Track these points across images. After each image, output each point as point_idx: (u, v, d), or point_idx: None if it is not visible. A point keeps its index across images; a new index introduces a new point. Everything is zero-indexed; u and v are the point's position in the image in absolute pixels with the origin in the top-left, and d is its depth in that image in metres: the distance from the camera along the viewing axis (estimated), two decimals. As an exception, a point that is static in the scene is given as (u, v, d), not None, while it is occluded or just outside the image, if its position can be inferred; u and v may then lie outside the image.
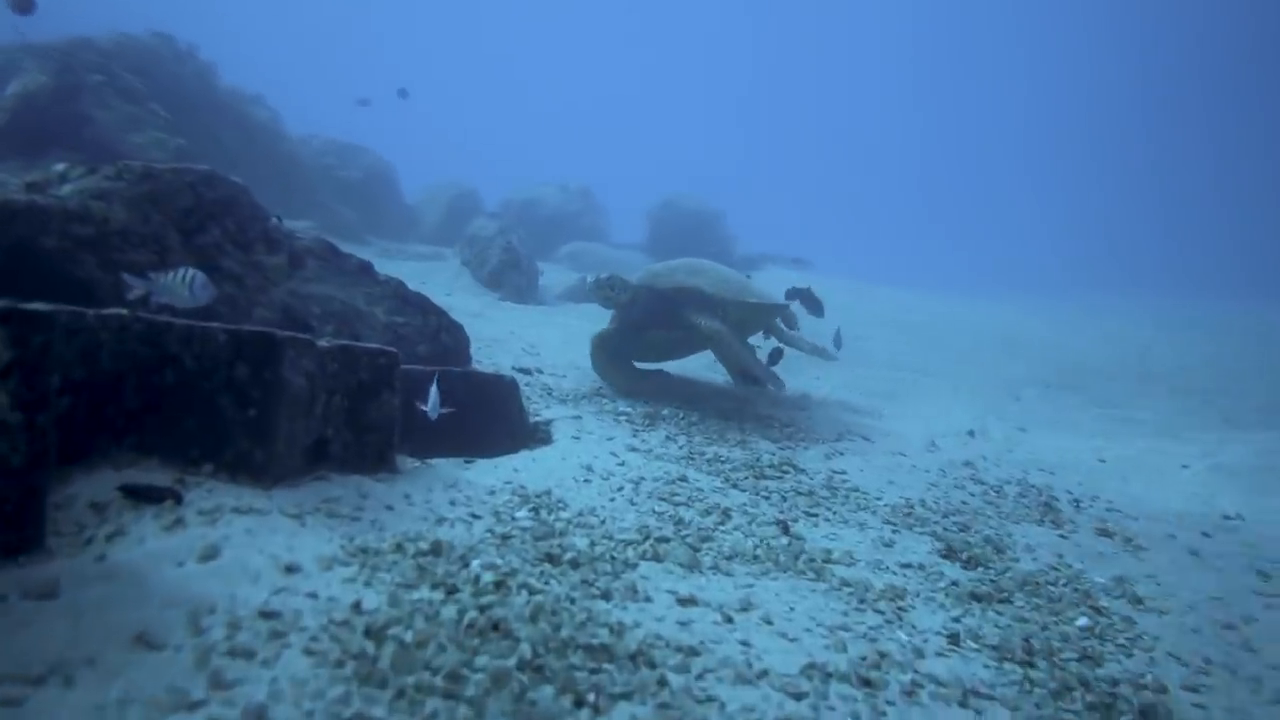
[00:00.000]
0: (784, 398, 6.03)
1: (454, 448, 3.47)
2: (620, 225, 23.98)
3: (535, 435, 4.01)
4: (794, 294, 7.05)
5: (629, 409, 4.78)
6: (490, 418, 3.69)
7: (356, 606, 1.76)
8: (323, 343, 2.65)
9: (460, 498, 2.71)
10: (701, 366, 6.58)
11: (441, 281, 10.39)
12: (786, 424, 5.02)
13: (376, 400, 2.81)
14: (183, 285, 2.82)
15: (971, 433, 5.44)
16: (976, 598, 2.59)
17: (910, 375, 7.80)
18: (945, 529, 3.32)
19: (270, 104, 14.78)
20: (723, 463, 3.94)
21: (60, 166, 2.95)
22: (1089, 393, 7.47)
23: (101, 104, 6.22)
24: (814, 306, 7.17)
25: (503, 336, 6.72)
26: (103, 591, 1.48)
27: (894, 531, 3.23)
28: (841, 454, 4.46)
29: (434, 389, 2.97)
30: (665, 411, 4.83)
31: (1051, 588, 2.74)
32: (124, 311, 2.23)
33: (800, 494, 3.59)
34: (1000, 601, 2.58)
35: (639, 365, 5.83)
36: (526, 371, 5.53)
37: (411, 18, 78.97)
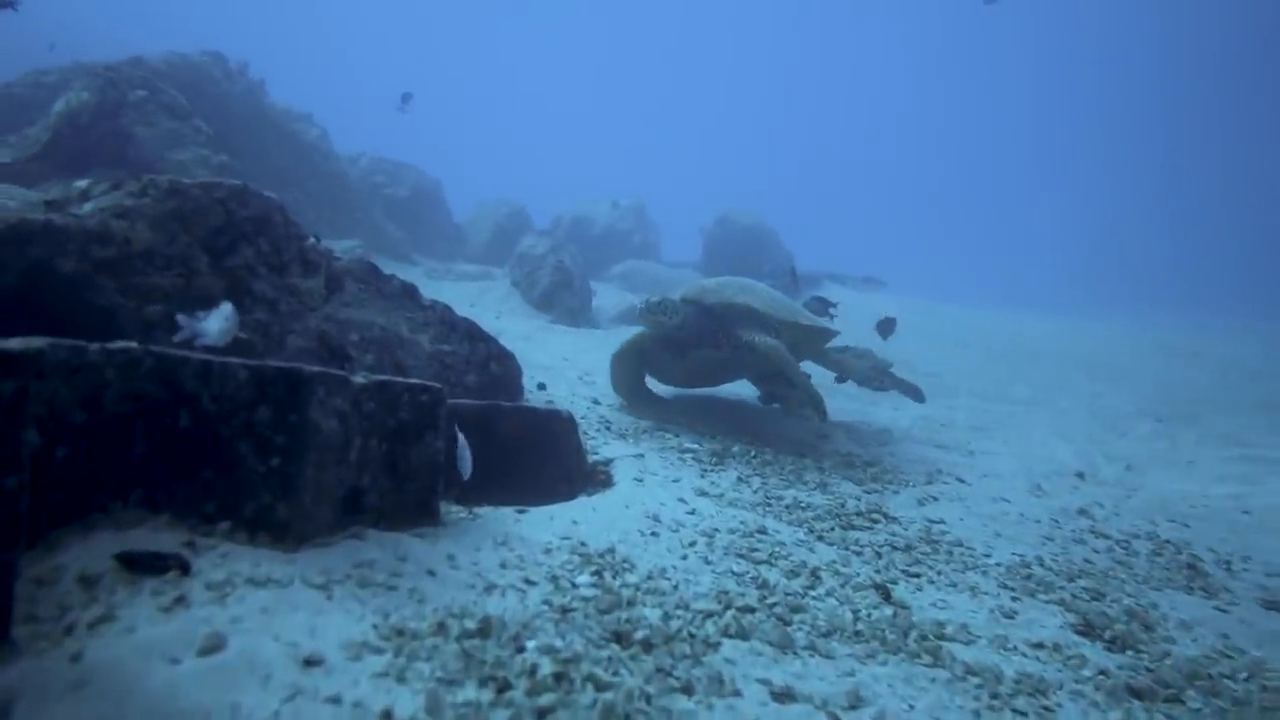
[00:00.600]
0: (864, 433, 5.62)
1: (504, 493, 3.19)
2: (673, 243, 23.73)
3: (594, 477, 3.69)
4: (885, 326, 6.79)
5: (695, 445, 4.44)
6: (545, 458, 3.39)
7: (388, 716, 1.46)
8: (358, 378, 2.38)
9: (512, 558, 2.40)
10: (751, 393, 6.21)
11: (490, 303, 10.23)
12: (869, 463, 4.61)
13: (419, 443, 2.53)
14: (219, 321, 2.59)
15: (1080, 474, 4.95)
16: (1136, 694, 2.17)
17: (998, 406, 7.29)
18: (1074, 596, 2.88)
19: (319, 122, 14.96)
20: (804, 509, 3.57)
21: (82, 183, 2.77)
22: (1202, 426, 6.85)
23: (145, 120, 6.23)
24: (886, 330, 6.88)
25: (555, 363, 6.45)
26: (68, 710, 1.20)
27: (1014, 599, 2.81)
28: (936, 499, 4.04)
29: (464, 448, 2.65)
30: (735, 449, 4.47)
31: (1230, 682, 2.29)
32: (133, 344, 1.99)
33: (896, 549, 3.20)
34: (1169, 700, 2.15)
35: (672, 389, 5.61)
36: (599, 405, 5.26)
37: (457, 39, 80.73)
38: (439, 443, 2.61)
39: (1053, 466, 5.11)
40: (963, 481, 4.45)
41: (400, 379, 2.54)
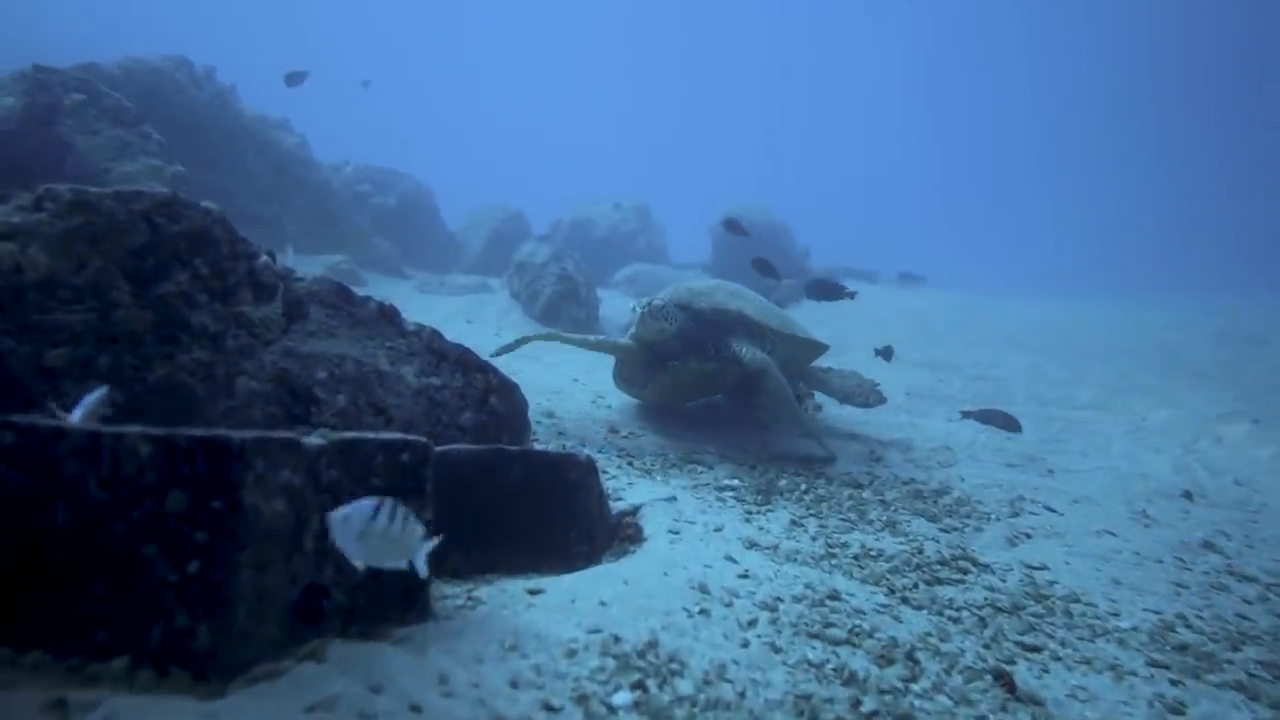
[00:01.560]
0: (921, 452, 5.09)
1: (512, 558, 2.69)
2: (680, 244, 23.24)
3: (621, 531, 3.17)
4: (886, 352, 6.39)
5: (734, 481, 3.92)
6: (561, 514, 2.87)
7: None
8: (313, 440, 1.88)
9: (526, 670, 1.88)
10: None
11: (488, 318, 9.75)
12: (939, 491, 4.08)
13: None
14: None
15: (1187, 494, 4.40)
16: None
17: (1064, 413, 6.74)
18: (1251, 675, 2.34)
19: (297, 129, 14.53)
20: (875, 559, 3.05)
21: (-39, 198, 2.27)
22: (1301, 426, 6.30)
23: (85, 128, 5.77)
24: (886, 356, 6.49)
25: (564, 385, 5.94)
26: None
27: (1173, 682, 2.27)
28: (1028, 536, 3.50)
29: (422, 554, 1.83)
30: (782, 482, 3.95)
31: None
32: (-15, 417, 1.49)
33: (1001, 610, 2.67)
34: None
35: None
36: (616, 430, 4.75)
37: (446, 42, 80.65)
38: (427, 512, 2.10)
39: (1151, 485, 4.57)
40: (1053, 510, 3.91)
41: (371, 435, 2.03)
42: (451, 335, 7.35)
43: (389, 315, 3.38)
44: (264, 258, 2.98)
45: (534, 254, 10.59)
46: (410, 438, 2.12)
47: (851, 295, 6.16)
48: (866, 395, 5.55)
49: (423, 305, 10.74)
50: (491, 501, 2.75)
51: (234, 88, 12.58)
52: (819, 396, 6.09)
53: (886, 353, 6.44)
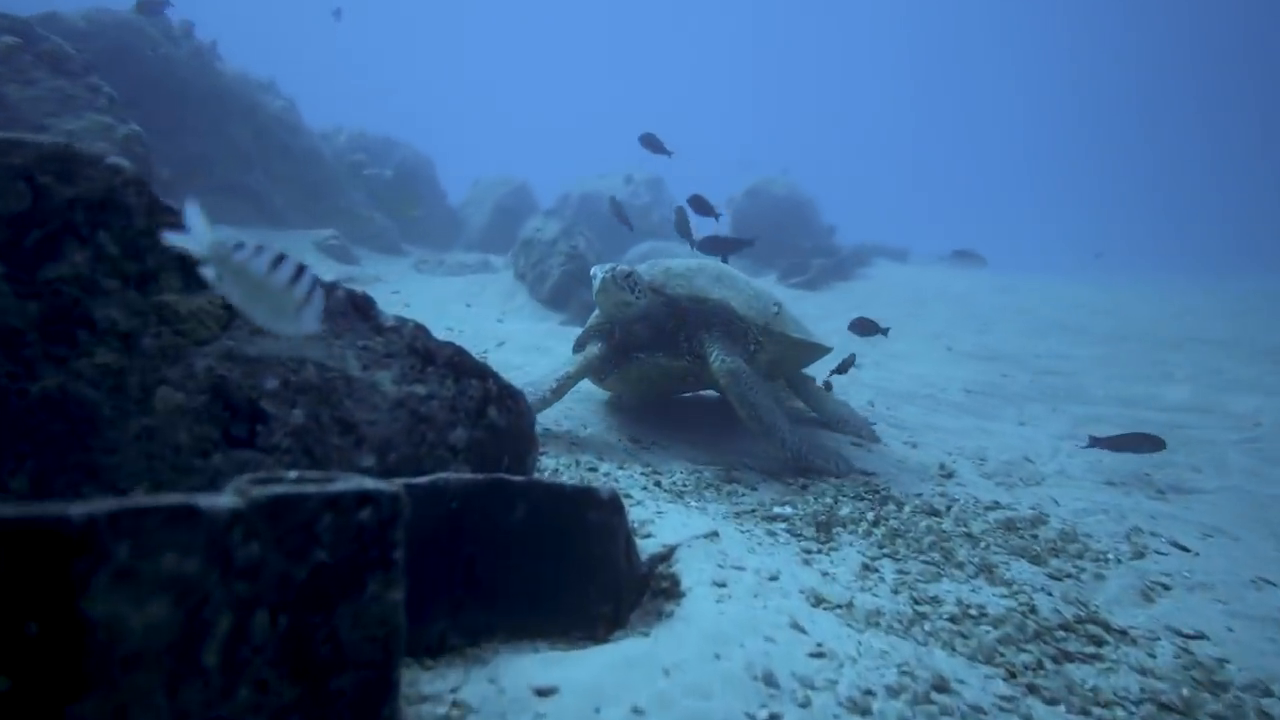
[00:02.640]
0: (1000, 464, 4.51)
1: (514, 623, 2.17)
2: (696, 219, 22.55)
3: (652, 583, 2.61)
4: (844, 366, 5.65)
5: (786, 509, 3.35)
6: (577, 565, 2.32)
7: None
8: (224, 500, 1.33)
9: None
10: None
11: (490, 301, 9.20)
12: (1033, 519, 3.50)
13: (354, 603, 1.50)
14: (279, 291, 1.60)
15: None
16: None
17: (1157, 415, 6.11)
18: None
19: (284, 92, 13.96)
20: (978, 621, 2.49)
21: None
22: None
23: (18, 76, 5.20)
24: (844, 369, 5.74)
25: (587, 388, 5.38)
26: None
27: None
28: (1166, 586, 2.92)
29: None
30: (844, 510, 3.38)
31: None
32: None
33: (1168, 709, 2.10)
34: None
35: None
36: (638, 440, 4.20)
37: (448, 7, 79.65)
38: (395, 593, 1.57)
39: (1288, 511, 3.97)
40: (1183, 549, 3.33)
41: (313, 489, 1.49)
42: (450, 320, 6.80)
43: (362, 307, 2.82)
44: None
45: (541, 230, 10.00)
46: (372, 488, 1.57)
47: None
48: (858, 430, 4.92)
49: (419, 285, 10.22)
50: (489, 548, 2.21)
51: (214, 45, 12.02)
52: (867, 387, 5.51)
53: (843, 367, 5.62)
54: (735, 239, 5.37)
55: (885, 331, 5.33)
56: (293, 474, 1.65)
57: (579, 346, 4.58)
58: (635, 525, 3.00)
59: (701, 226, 6.37)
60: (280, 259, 1.47)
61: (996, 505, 3.66)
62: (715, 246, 5.59)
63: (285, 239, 12.18)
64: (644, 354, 4.24)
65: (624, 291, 4.05)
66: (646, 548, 2.79)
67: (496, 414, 2.95)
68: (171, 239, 1.51)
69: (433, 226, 17.24)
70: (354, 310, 2.83)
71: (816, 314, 10.70)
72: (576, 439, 4.08)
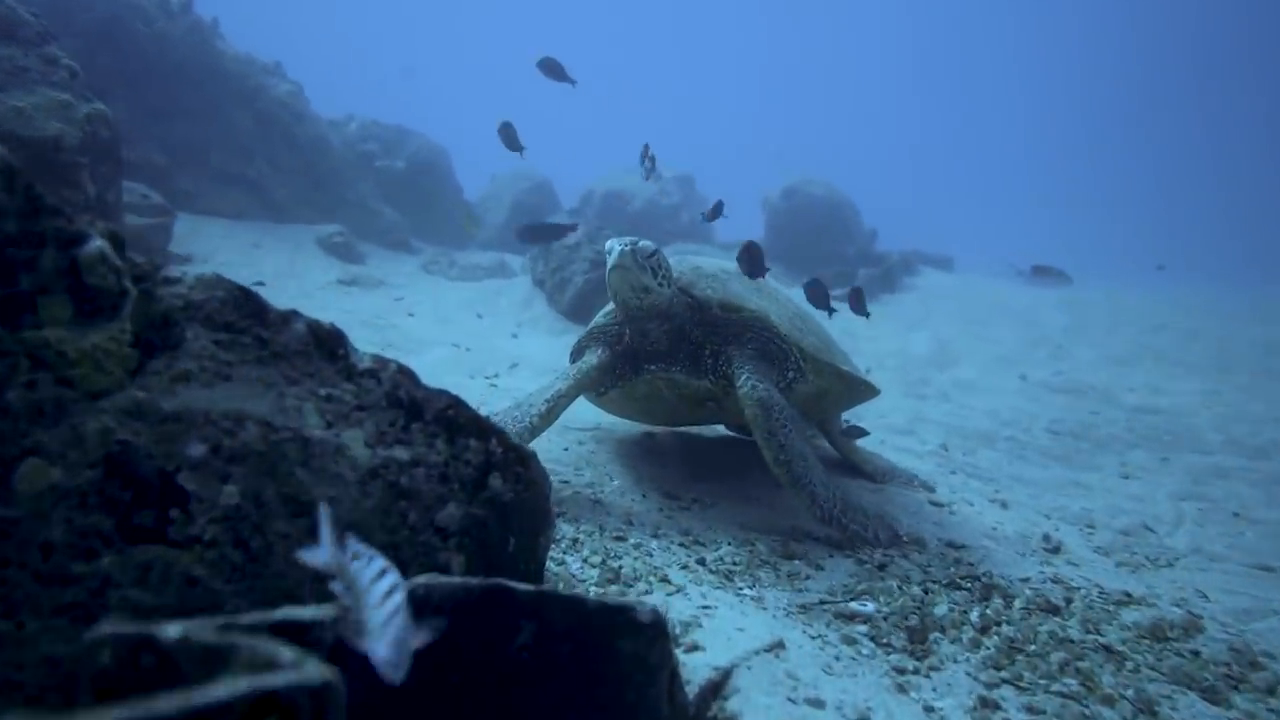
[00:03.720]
0: (1113, 531, 3.87)
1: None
2: (728, 220, 21.80)
3: (704, 731, 2.03)
4: (851, 433, 4.84)
5: (863, 603, 2.75)
6: (603, 715, 1.75)
7: None
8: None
9: None
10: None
11: (505, 312, 8.66)
12: (1185, 625, 2.86)
13: None
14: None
15: None
16: None
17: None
18: None
19: (292, 77, 13.53)
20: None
21: None
22: None
23: (-42, 45, 4.75)
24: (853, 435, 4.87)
25: (601, 418, 4.81)
26: None
27: None
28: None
29: None
30: (940, 608, 2.77)
31: None
32: None
33: None
34: None
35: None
36: (675, 497, 3.61)
37: (474, -13, 79.75)
38: None
39: None
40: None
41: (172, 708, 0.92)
42: (458, 333, 6.24)
43: (329, 343, 2.25)
44: (96, 242, 1.87)
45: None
46: (290, 683, 1.01)
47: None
48: (907, 482, 4.32)
49: (426, 290, 9.69)
50: (483, 687, 1.66)
51: (215, 22, 11.59)
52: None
53: (855, 432, 4.72)
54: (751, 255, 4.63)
55: (831, 312, 4.54)
56: (172, 630, 1.13)
57: (577, 354, 3.93)
58: (677, 629, 2.42)
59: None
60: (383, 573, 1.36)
61: (1129, 599, 3.03)
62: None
63: (287, 233, 11.74)
64: (657, 366, 3.62)
65: (644, 273, 3.37)
66: (693, 668, 2.21)
67: (501, 484, 2.37)
68: (305, 556, 1.43)
69: (447, 222, 16.77)
70: (317, 348, 2.26)
71: (864, 333, 10.06)
72: (599, 494, 3.50)
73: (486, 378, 5.54)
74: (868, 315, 4.72)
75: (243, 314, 2.15)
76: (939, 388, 7.28)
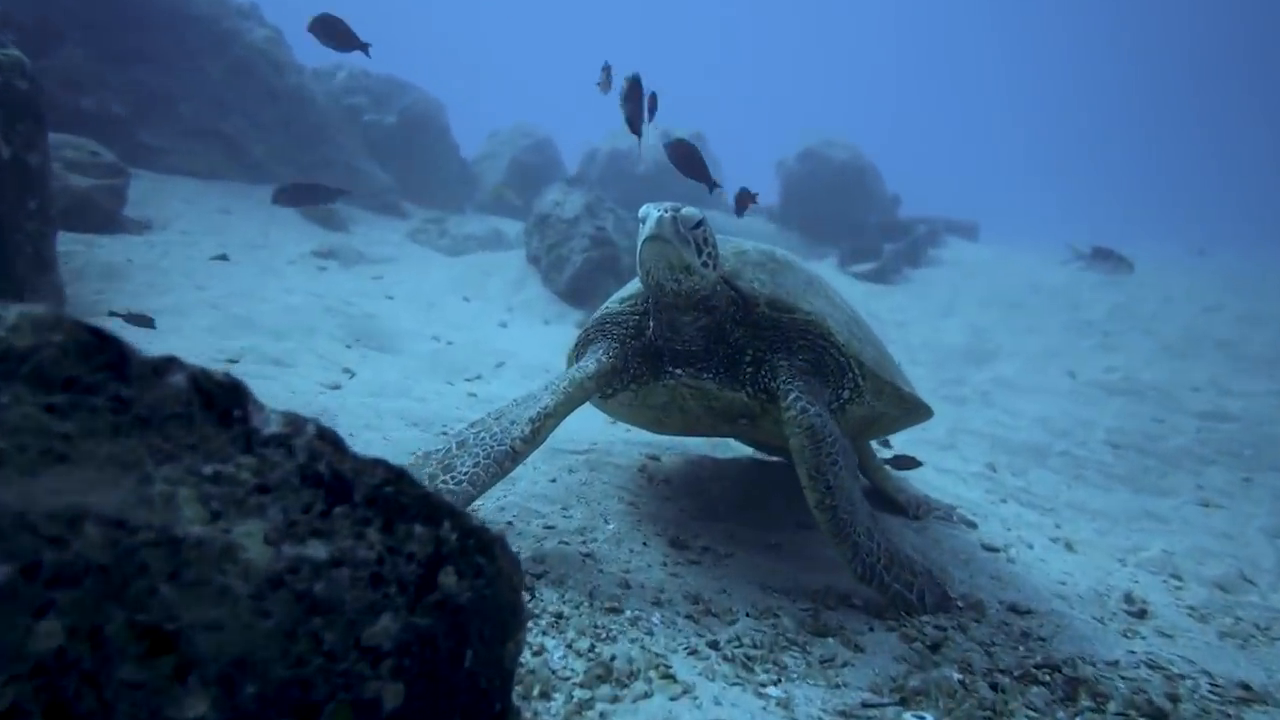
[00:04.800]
0: (1207, 601, 3.38)
1: None
2: (739, 183, 21.07)
3: None
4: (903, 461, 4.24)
5: (918, 716, 2.26)
6: None
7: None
8: None
9: None
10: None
11: (494, 292, 8.13)
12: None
13: None
14: None
15: None
16: None
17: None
18: None
19: (270, 22, 12.87)
20: None
21: None
22: None
23: None
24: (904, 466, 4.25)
25: (599, 434, 4.30)
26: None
27: None
28: None
29: None
30: (1015, 711, 2.27)
31: None
32: None
33: None
34: None
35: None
36: (682, 545, 3.11)
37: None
38: None
39: None
40: None
41: None
42: (440, 322, 5.66)
43: (221, 401, 1.72)
44: None
45: (560, 205, 8.87)
46: None
47: None
48: (947, 516, 3.86)
49: (411, 266, 9.12)
50: None
51: (182, -40, 10.95)
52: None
53: (906, 463, 4.15)
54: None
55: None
56: None
57: (581, 347, 3.34)
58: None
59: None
60: None
61: (1249, 694, 2.55)
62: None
63: (263, 196, 11.15)
64: (685, 370, 3.05)
65: (687, 248, 2.74)
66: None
67: (455, 582, 1.85)
68: None
69: (442, 182, 16.17)
70: (204, 408, 1.73)
71: (890, 317, 9.49)
72: (591, 544, 2.99)
73: (467, 380, 5.03)
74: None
75: (93, 366, 1.62)
76: (978, 387, 6.76)
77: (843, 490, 2.77)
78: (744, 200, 4.64)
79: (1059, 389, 6.92)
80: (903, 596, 2.83)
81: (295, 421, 1.75)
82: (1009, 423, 5.84)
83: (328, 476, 1.78)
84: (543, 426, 2.93)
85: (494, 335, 6.37)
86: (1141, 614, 3.11)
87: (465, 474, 2.78)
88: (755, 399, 3.02)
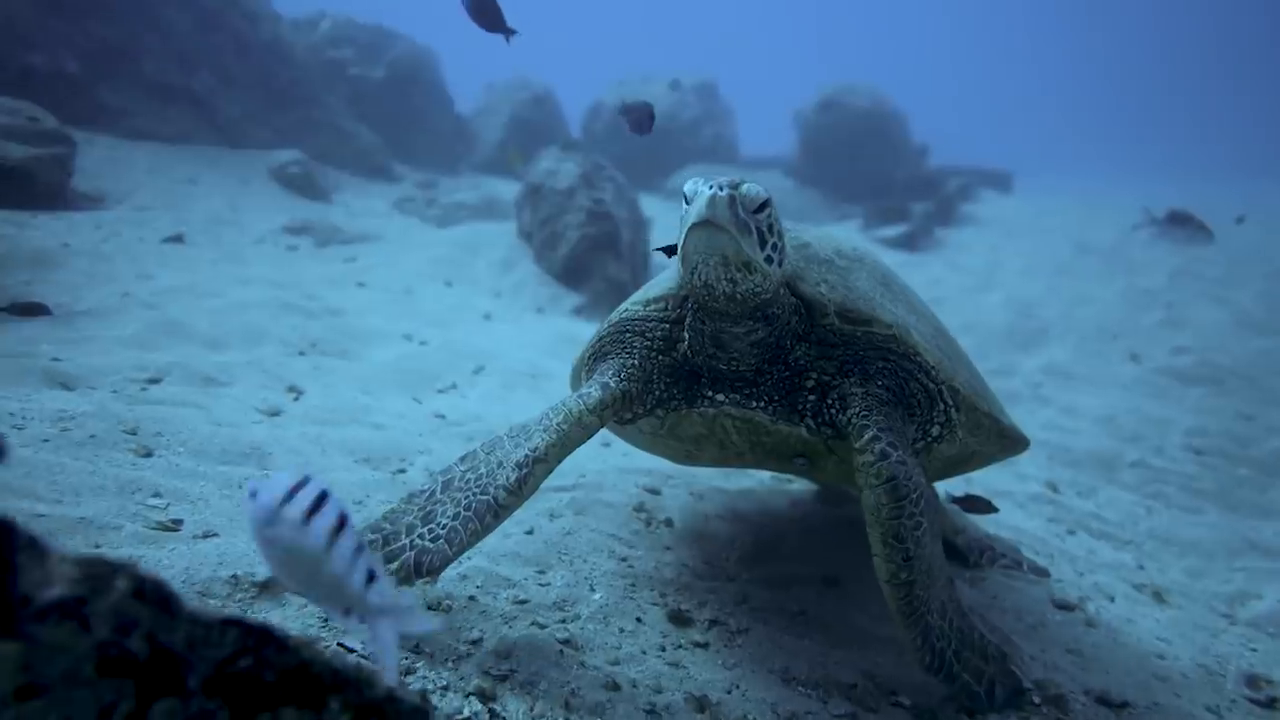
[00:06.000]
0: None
1: None
2: (753, 134, 20.33)
3: None
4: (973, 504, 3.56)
5: None
6: None
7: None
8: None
9: None
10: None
11: (481, 274, 7.54)
12: None
13: None
14: None
15: None
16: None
17: None
18: None
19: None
20: None
21: None
22: None
23: None
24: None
25: (604, 468, 3.76)
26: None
27: None
28: None
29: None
30: None
31: None
32: None
33: None
34: None
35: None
36: (685, 620, 2.57)
37: None
38: None
39: None
40: None
41: None
42: (415, 314, 5.04)
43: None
44: None
45: (555, 174, 8.23)
46: None
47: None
48: (1016, 562, 3.32)
49: (392, 244, 8.51)
50: None
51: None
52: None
53: (977, 505, 3.46)
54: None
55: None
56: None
57: (588, 366, 2.74)
58: None
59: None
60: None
61: None
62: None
63: (236, 162, 10.60)
64: (729, 396, 2.43)
65: (747, 236, 2.09)
66: None
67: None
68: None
69: (435, 141, 15.54)
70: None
71: (925, 294, 8.80)
72: (572, 623, 2.45)
73: (439, 391, 4.43)
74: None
75: None
76: (1028, 379, 6.14)
77: (922, 561, 2.19)
78: (639, 117, 3.86)
79: (1122, 378, 6.27)
80: (970, 689, 2.29)
81: (96, 575, 1.19)
82: (1069, 426, 5.23)
83: (144, 655, 1.20)
84: (531, 474, 2.34)
85: (475, 331, 5.78)
86: (1271, 704, 2.57)
87: (444, 529, 2.30)
88: (818, 435, 2.39)
